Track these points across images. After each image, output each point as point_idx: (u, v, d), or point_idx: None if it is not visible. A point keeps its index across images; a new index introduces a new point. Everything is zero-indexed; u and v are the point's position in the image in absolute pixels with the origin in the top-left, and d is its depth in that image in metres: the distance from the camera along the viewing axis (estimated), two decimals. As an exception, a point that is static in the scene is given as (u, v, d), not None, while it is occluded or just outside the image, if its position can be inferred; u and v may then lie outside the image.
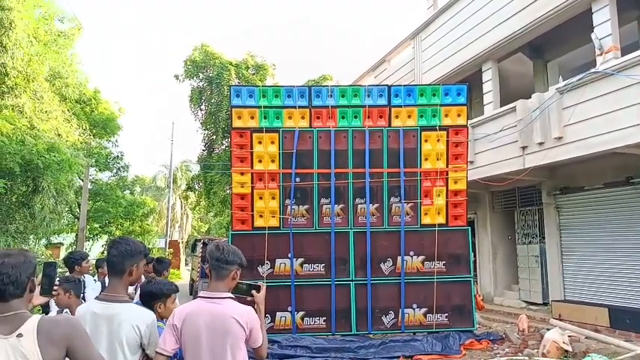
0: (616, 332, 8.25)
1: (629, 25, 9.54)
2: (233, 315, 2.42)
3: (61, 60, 14.64)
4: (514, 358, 7.00)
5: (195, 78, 20.81)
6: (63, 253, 28.74)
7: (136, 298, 4.56)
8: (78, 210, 20.29)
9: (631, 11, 9.44)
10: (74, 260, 5.29)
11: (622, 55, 8.08)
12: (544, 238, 11.21)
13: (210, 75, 20.46)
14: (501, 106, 10.86)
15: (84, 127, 17.50)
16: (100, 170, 21.91)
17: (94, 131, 19.33)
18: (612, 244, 9.43)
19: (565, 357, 6.78)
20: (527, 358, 6.88)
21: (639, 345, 7.03)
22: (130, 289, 4.98)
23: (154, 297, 3.12)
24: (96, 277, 6.28)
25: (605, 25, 8.55)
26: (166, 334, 2.44)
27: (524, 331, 8.40)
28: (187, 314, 2.43)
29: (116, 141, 21.55)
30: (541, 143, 9.21)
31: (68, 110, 15.31)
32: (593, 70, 8.32)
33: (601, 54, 8.47)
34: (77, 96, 16.97)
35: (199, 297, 2.52)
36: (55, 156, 10.70)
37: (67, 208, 18.78)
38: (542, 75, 11.84)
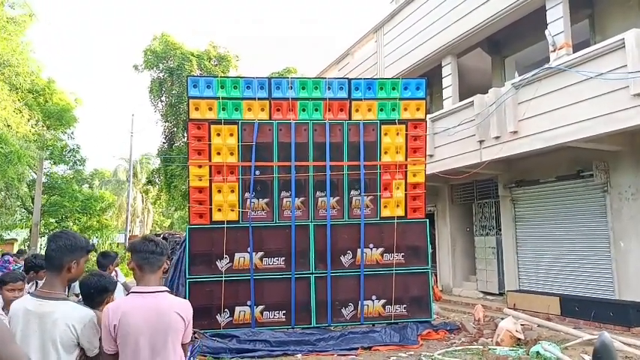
0: (566, 320, 8.56)
1: (581, 22, 9.84)
2: (175, 309, 2.38)
3: (11, 47, 14.00)
4: (469, 347, 7.16)
5: (155, 69, 20.30)
6: (17, 249, 27.65)
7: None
8: (32, 204, 19.55)
9: (583, 10, 9.73)
10: (34, 266, 4.93)
11: (574, 52, 8.33)
12: (500, 230, 11.50)
13: (171, 66, 20.00)
14: (460, 101, 11.05)
15: (37, 118, 16.83)
16: (55, 163, 21.17)
17: (48, 122, 18.62)
18: (564, 235, 9.77)
19: (517, 345, 6.97)
20: (481, 347, 7.04)
21: (587, 332, 7.31)
22: (119, 286, 4.74)
23: (107, 291, 3.03)
24: None
25: (558, 22, 8.79)
26: (104, 334, 2.34)
27: (479, 320, 8.61)
28: (123, 312, 2.32)
29: (72, 133, 20.83)
30: (497, 137, 9.42)
31: (19, 100, 14.68)
32: (546, 65, 8.55)
33: (554, 50, 8.71)
34: (29, 85, 16.29)
35: (133, 292, 2.43)
36: (1, 147, 10.22)
37: (18, 203, 18.08)
38: (499, 70, 12.10)
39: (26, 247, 20.48)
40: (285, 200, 8.09)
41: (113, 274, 6.72)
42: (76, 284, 6.52)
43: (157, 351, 2.31)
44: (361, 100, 8.31)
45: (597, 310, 8.23)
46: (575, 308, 8.63)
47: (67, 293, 2.96)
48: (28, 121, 15.22)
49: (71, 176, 22.00)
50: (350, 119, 8.26)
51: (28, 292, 2.58)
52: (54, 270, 2.43)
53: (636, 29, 7.16)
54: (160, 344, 2.32)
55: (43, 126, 17.84)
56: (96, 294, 2.97)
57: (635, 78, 6.89)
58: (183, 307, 2.41)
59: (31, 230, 20.01)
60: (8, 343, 1.67)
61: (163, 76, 20.32)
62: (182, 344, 2.46)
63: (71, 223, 21.41)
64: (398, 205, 8.28)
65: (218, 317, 7.63)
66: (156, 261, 2.44)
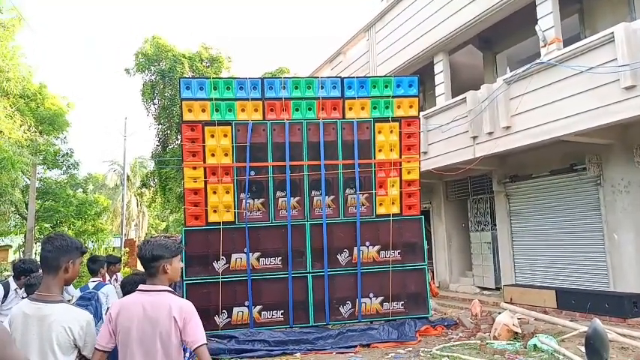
0: (562, 313, 8.63)
1: (571, 17, 9.91)
2: (169, 306, 2.45)
3: (1, 52, 13.91)
4: (467, 342, 7.20)
5: (147, 71, 20.21)
6: (12, 256, 27.48)
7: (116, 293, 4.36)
8: (26, 210, 19.43)
9: (572, 4, 9.80)
10: (23, 271, 4.98)
11: (564, 47, 8.39)
12: (495, 225, 11.57)
13: (163, 68, 19.91)
14: (453, 98, 11.09)
15: (29, 124, 16.75)
16: (48, 168, 21.03)
17: (41, 128, 18.52)
18: (558, 228, 9.84)
19: (515, 339, 7.02)
20: (479, 341, 7.08)
21: (583, 324, 7.37)
22: (111, 288, 4.74)
23: None
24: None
25: (548, 17, 8.85)
26: (103, 328, 2.47)
27: (476, 315, 8.65)
28: (122, 305, 2.48)
29: (65, 137, 20.71)
30: (490, 133, 9.47)
31: (10, 106, 14.60)
32: (537, 61, 8.61)
33: (545, 45, 8.77)
34: (20, 91, 16.20)
35: (138, 290, 2.56)
36: (-5, 154, 10.17)
37: (12, 208, 17.97)
38: (491, 66, 12.16)
39: (21, 254, 20.36)
40: (280, 200, 8.10)
41: (114, 277, 6.69)
42: (70, 288, 6.52)
43: (146, 344, 2.40)
44: (354, 98, 8.32)
45: (593, 302, 8.30)
46: (571, 301, 8.70)
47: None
48: (20, 126, 15.16)
49: (65, 181, 21.86)
50: (343, 118, 8.28)
51: (27, 297, 2.60)
52: (51, 271, 2.45)
53: (625, 23, 7.22)
54: (148, 338, 2.40)
55: (35, 131, 17.75)
56: None
57: (625, 71, 6.95)
58: (178, 305, 2.47)
59: (25, 236, 19.89)
60: (8, 346, 1.69)
61: (155, 78, 20.23)
62: (197, 347, 2.44)
63: (66, 228, 21.24)
64: (393, 203, 8.31)
65: (216, 318, 7.63)
66: (150, 268, 2.58)
